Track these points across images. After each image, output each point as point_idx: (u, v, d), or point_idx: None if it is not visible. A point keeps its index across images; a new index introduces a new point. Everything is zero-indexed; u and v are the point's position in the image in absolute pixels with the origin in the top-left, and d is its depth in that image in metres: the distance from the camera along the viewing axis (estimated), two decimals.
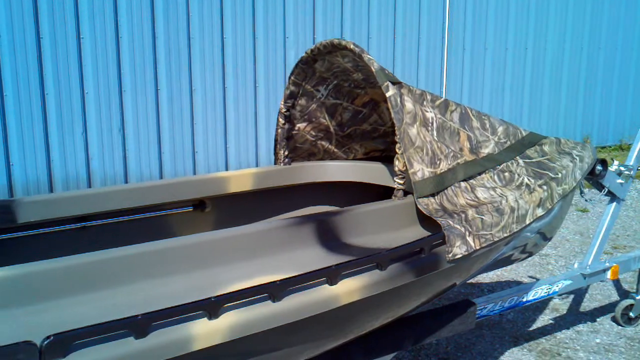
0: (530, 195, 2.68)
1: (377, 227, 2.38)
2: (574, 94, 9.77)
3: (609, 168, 3.57)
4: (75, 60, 5.94)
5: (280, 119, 3.09)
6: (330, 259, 2.15)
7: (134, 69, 6.24)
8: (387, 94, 2.41)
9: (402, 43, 7.98)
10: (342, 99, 3.11)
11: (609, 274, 3.75)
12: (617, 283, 4.67)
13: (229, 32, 6.72)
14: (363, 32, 7.63)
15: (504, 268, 4.99)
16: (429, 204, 2.39)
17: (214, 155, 6.83)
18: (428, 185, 2.42)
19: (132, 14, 6.15)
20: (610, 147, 10.22)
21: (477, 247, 2.39)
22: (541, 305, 4.28)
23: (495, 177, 2.67)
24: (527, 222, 2.64)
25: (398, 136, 2.41)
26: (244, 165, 7.03)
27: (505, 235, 2.52)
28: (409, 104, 2.46)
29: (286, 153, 3.19)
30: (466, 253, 2.35)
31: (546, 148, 3.04)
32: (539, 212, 2.69)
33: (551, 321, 4.07)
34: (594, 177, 3.51)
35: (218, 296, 1.81)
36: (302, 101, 3.05)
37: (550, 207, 2.75)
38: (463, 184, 2.55)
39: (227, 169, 6.91)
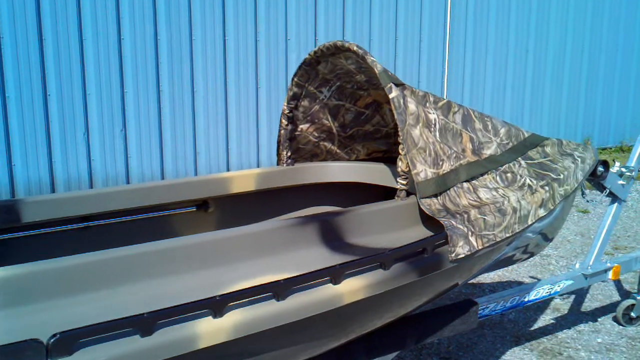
0: (533, 196, 2.70)
1: (380, 227, 2.40)
2: (575, 94, 9.78)
3: (611, 169, 3.59)
4: (77, 61, 5.96)
5: (283, 120, 3.11)
6: (333, 259, 2.17)
7: (136, 70, 6.26)
8: (390, 96, 2.43)
9: (403, 43, 8.00)
10: (344, 100, 3.13)
11: (610, 274, 3.76)
12: (618, 283, 4.68)
13: (230, 34, 6.74)
14: (364, 33, 7.64)
15: (505, 268, 5.00)
16: (431, 205, 2.41)
17: (215, 156, 6.85)
18: (431, 185, 2.43)
19: (134, 16, 6.17)
20: (611, 148, 10.23)
21: (480, 247, 2.41)
22: (542, 305, 4.30)
23: (498, 178, 2.69)
24: (529, 222, 2.66)
25: (401, 137, 2.43)
26: (245, 166, 7.04)
27: (508, 235, 2.53)
28: (412, 106, 2.48)
29: (289, 154, 3.21)
30: (469, 253, 2.37)
31: (548, 149, 3.06)
32: (541, 212, 2.71)
33: (552, 321, 4.08)
34: (596, 178, 3.52)
35: (223, 295, 1.82)
36: (305, 102, 3.07)
37: (552, 207, 2.77)
38: (465, 184, 2.57)
39: (228, 170, 6.93)
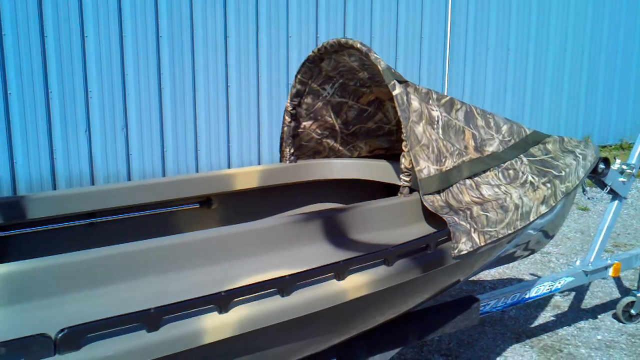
0: (534, 192, 2.71)
1: (384, 224, 2.41)
2: (575, 93, 9.80)
3: (611, 166, 3.61)
4: (79, 58, 5.97)
5: (286, 117, 3.12)
6: (337, 255, 2.18)
7: (138, 68, 6.27)
8: (394, 93, 2.44)
9: (404, 43, 8.01)
10: (347, 97, 3.14)
11: (610, 271, 3.78)
12: (618, 280, 4.70)
13: (232, 31, 6.74)
14: (365, 32, 7.65)
15: (505, 266, 5.02)
16: (434, 201, 2.43)
17: (216, 154, 6.86)
18: (434, 182, 2.45)
19: (136, 13, 6.18)
20: (611, 146, 10.25)
21: (482, 244, 2.43)
22: (543, 302, 4.31)
23: (500, 175, 2.71)
24: (531, 219, 2.67)
25: (404, 134, 2.44)
26: (246, 163, 7.06)
27: (510, 231, 2.55)
28: (415, 103, 2.49)
29: (292, 151, 3.22)
30: (471, 249, 2.38)
31: (550, 146, 3.07)
32: (543, 209, 2.72)
33: (553, 318, 4.10)
34: (597, 176, 3.54)
35: (228, 290, 1.84)
36: (308, 99, 3.08)
37: (553, 204, 2.78)
38: (468, 181, 2.58)
39: (229, 167, 6.94)
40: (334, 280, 2.08)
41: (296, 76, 3.00)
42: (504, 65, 8.97)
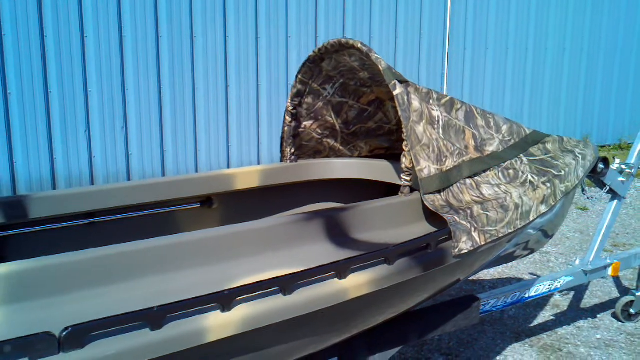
0: (534, 192, 2.72)
1: (385, 223, 2.42)
2: (574, 93, 9.82)
3: (611, 166, 3.62)
4: (78, 58, 5.97)
5: (287, 117, 3.13)
6: (338, 254, 2.19)
7: (137, 68, 6.28)
8: (395, 93, 2.45)
9: (403, 43, 8.02)
10: (348, 97, 3.15)
11: (610, 271, 3.79)
12: (617, 280, 4.72)
13: (231, 31, 6.75)
14: (365, 32, 7.67)
15: (505, 265, 5.03)
16: (435, 201, 2.44)
17: (216, 153, 6.87)
18: (434, 182, 2.46)
19: (135, 13, 6.18)
20: (610, 146, 10.27)
21: (483, 243, 2.44)
22: (542, 301, 4.33)
23: (500, 175, 2.72)
24: (531, 218, 2.68)
25: (405, 134, 2.45)
26: (245, 163, 7.06)
27: (510, 231, 2.56)
28: (415, 103, 2.50)
29: (292, 150, 3.23)
30: (472, 248, 2.39)
31: (549, 146, 3.08)
32: (543, 208, 2.73)
33: (552, 317, 4.11)
34: (596, 175, 3.55)
35: (231, 289, 1.84)
36: (309, 99, 3.09)
37: (553, 204, 2.79)
38: (468, 181, 2.59)
39: (229, 167, 6.95)
40: (336, 279, 2.09)
41: (297, 76, 3.01)
42: (502, 65, 8.99)
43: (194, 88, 6.62)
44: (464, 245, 2.38)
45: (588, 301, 4.38)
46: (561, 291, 4.18)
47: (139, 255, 1.91)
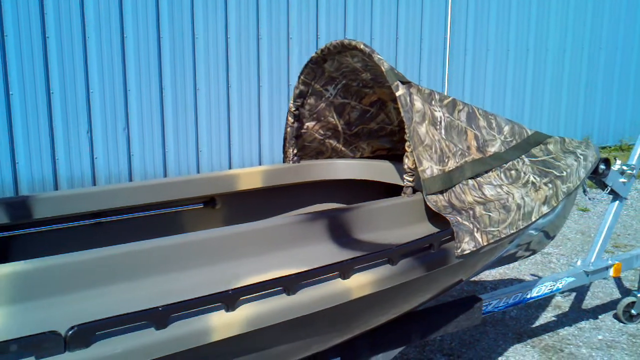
0: (536, 193, 2.73)
1: (387, 224, 2.43)
2: (574, 94, 9.83)
3: (612, 167, 3.63)
4: (80, 59, 5.99)
5: (290, 118, 3.14)
6: (341, 254, 2.20)
7: (139, 68, 6.29)
8: (397, 94, 2.46)
9: (404, 44, 8.04)
10: (350, 98, 3.16)
11: (611, 272, 3.80)
12: (618, 281, 4.72)
13: (233, 32, 6.77)
14: (366, 33, 7.68)
15: (506, 266, 5.04)
16: (437, 201, 2.45)
17: (217, 154, 6.88)
18: (437, 182, 2.47)
19: (137, 14, 6.20)
20: (611, 147, 10.28)
21: (485, 243, 2.45)
22: (544, 302, 4.33)
23: (502, 175, 2.73)
24: (533, 219, 2.69)
25: (408, 134, 2.46)
26: (247, 164, 7.08)
27: (512, 231, 2.57)
28: (418, 103, 2.51)
29: (295, 151, 3.24)
30: (474, 249, 2.40)
31: (551, 147, 3.09)
32: (544, 209, 2.74)
33: (554, 318, 4.12)
34: (597, 176, 3.56)
35: (235, 289, 1.85)
36: (311, 100, 3.10)
37: (555, 204, 2.80)
38: (471, 181, 2.60)
39: (230, 168, 6.96)
40: (339, 279, 2.09)
41: (299, 77, 3.02)
42: (503, 66, 9.00)
43: (195, 88, 6.64)
44: (467, 246, 2.39)
45: (589, 302, 4.38)
46: (563, 292, 4.19)
47: (143, 255, 1.92)
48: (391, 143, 3.48)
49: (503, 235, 2.54)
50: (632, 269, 4.20)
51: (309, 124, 3.20)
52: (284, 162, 3.28)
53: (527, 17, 9.06)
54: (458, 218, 2.41)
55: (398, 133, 3.43)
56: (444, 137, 2.57)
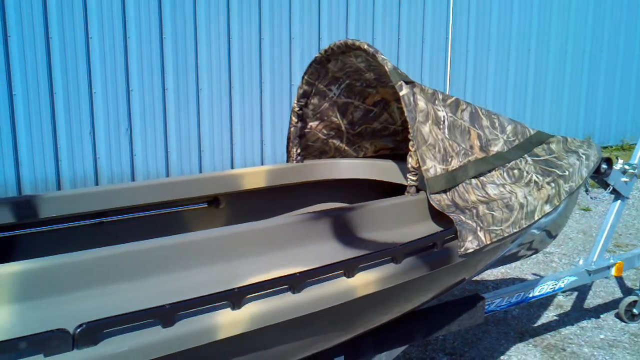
0: (539, 192, 2.74)
1: (391, 223, 2.44)
2: (576, 94, 9.84)
3: (614, 166, 3.64)
4: (83, 60, 6.01)
5: (293, 118, 3.15)
6: (346, 253, 2.21)
7: (142, 69, 6.31)
8: (401, 93, 2.47)
9: (406, 44, 8.05)
10: (353, 98, 3.17)
11: (613, 271, 3.81)
12: (620, 280, 4.73)
13: (235, 33, 6.78)
14: (367, 33, 7.69)
15: (508, 266, 5.05)
16: (441, 200, 2.46)
17: (219, 154, 6.89)
18: (440, 181, 2.48)
19: (139, 15, 6.22)
20: (612, 147, 10.29)
21: (488, 242, 2.46)
22: (545, 302, 4.35)
23: (505, 175, 2.74)
24: (536, 218, 2.70)
25: (411, 134, 2.48)
26: (249, 163, 7.09)
27: (515, 230, 2.58)
28: (421, 103, 2.52)
29: (298, 151, 3.26)
30: (478, 247, 2.41)
31: (553, 146, 3.10)
32: (547, 208, 2.75)
33: (556, 317, 4.13)
34: (599, 176, 3.57)
35: (241, 287, 1.87)
36: (315, 100, 3.12)
37: (557, 203, 2.81)
38: (474, 180, 2.62)
39: (232, 168, 6.98)
40: (344, 278, 2.11)
41: (303, 77, 3.03)
42: (505, 66, 9.02)
43: (197, 89, 6.66)
44: (470, 245, 2.41)
45: (591, 301, 4.39)
46: (565, 291, 4.20)
47: (148, 254, 1.93)
48: (394, 143, 3.50)
49: (506, 234, 2.55)
50: (634, 268, 4.21)
51: (313, 124, 3.21)
52: (287, 161, 3.30)
53: (528, 17, 9.08)
54: (461, 217, 2.42)
55: (401, 133, 3.45)
56: (447, 136, 2.58)
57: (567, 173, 2.94)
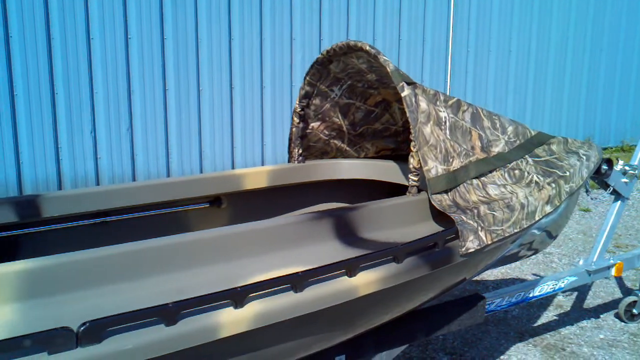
0: (540, 192, 2.76)
1: (393, 223, 2.46)
2: (576, 95, 9.85)
3: (614, 167, 3.66)
4: (84, 60, 6.02)
5: (295, 118, 3.16)
6: (347, 253, 2.22)
7: (143, 69, 6.32)
8: (403, 94, 2.49)
9: (407, 45, 8.06)
10: (355, 98, 3.18)
11: (613, 271, 3.83)
12: (620, 280, 4.75)
13: (236, 33, 6.79)
14: (368, 34, 7.71)
15: (508, 266, 5.06)
16: (442, 200, 2.47)
17: (220, 155, 6.91)
18: (441, 182, 2.49)
19: (141, 15, 6.23)
20: (612, 148, 10.30)
21: (489, 242, 2.47)
22: (545, 302, 4.36)
23: (506, 175, 2.75)
24: (536, 218, 2.72)
25: (413, 134, 2.49)
26: (250, 164, 7.10)
27: (516, 230, 2.59)
28: (423, 104, 2.54)
29: (300, 151, 3.27)
30: (479, 247, 2.43)
31: (554, 147, 3.12)
32: (548, 209, 2.77)
33: (555, 317, 4.15)
34: (600, 176, 3.59)
35: (244, 286, 1.88)
36: (317, 101, 3.13)
37: (558, 204, 2.83)
38: (475, 181, 2.63)
39: (233, 169, 6.99)
40: (346, 277, 2.12)
41: (305, 78, 3.04)
42: (505, 67, 9.03)
43: (198, 89, 6.67)
44: (471, 244, 2.42)
45: (591, 301, 4.41)
46: (565, 291, 4.22)
47: (150, 253, 1.94)
48: (395, 143, 3.51)
49: (507, 234, 2.56)
50: (634, 269, 4.22)
51: (314, 124, 3.23)
52: (289, 162, 3.31)
53: (529, 18, 9.09)
54: (462, 217, 2.44)
55: (402, 133, 3.46)
56: (448, 137, 2.60)
57: (567, 174, 2.95)
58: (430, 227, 2.52)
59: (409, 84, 2.52)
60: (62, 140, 6.02)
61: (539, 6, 9.14)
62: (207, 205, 3.07)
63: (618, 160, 3.80)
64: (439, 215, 2.58)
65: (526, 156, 2.90)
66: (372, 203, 2.43)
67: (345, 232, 2.33)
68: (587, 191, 3.62)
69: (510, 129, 2.90)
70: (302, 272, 2.00)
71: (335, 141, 3.34)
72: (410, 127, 2.50)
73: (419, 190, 2.61)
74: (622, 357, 3.63)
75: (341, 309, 2.15)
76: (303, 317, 2.03)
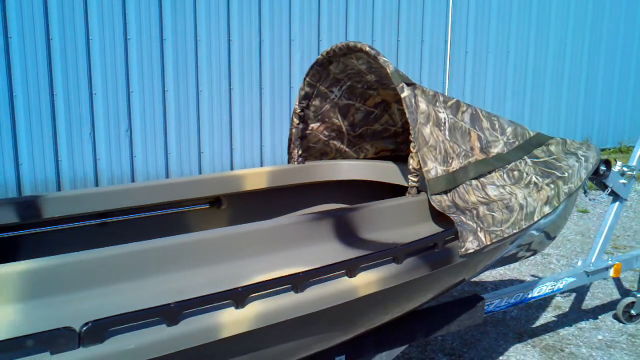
0: (538, 193, 2.77)
1: (392, 223, 2.46)
2: (574, 96, 9.88)
3: (612, 168, 3.67)
4: (84, 61, 6.02)
5: (295, 119, 3.17)
6: (347, 253, 2.23)
7: (142, 70, 6.32)
8: (402, 95, 2.50)
9: (405, 46, 8.08)
10: (354, 99, 3.19)
11: (611, 272, 3.84)
12: (618, 281, 4.76)
13: (235, 34, 6.80)
14: (367, 35, 7.72)
15: (507, 267, 5.08)
16: (442, 201, 2.48)
17: (219, 156, 6.91)
18: (441, 182, 2.50)
19: (140, 16, 6.23)
20: (610, 149, 10.32)
21: (488, 243, 2.48)
22: (544, 303, 4.37)
23: (505, 176, 2.76)
24: (535, 219, 2.73)
25: (412, 135, 2.50)
26: (249, 165, 7.11)
27: (515, 231, 2.60)
28: (422, 105, 2.55)
29: (300, 152, 3.28)
30: (478, 248, 2.44)
31: (553, 148, 3.13)
32: (546, 209, 2.78)
33: (554, 318, 4.16)
34: (598, 177, 3.60)
35: (245, 286, 1.89)
36: (316, 102, 3.14)
37: (556, 205, 2.84)
38: (474, 182, 2.64)
39: (232, 169, 6.99)
40: (346, 278, 2.13)
41: (305, 79, 3.05)
42: (503, 68, 9.05)
43: (197, 90, 6.67)
44: (470, 245, 2.43)
45: (589, 302, 4.42)
46: (563, 292, 4.23)
47: (150, 254, 1.95)
48: (395, 144, 3.52)
49: (506, 235, 2.57)
50: (632, 270, 4.24)
51: (314, 125, 3.23)
52: (288, 162, 3.32)
53: (527, 19, 9.11)
54: (462, 218, 2.45)
55: (401, 134, 3.47)
56: (448, 138, 2.61)
57: (566, 175, 2.96)
58: (430, 228, 2.53)
59: (408, 84, 2.53)
60: (61, 141, 6.02)
61: (537, 6, 9.16)
62: (207, 206, 3.08)
63: (616, 161, 3.81)
64: (438, 216, 2.58)
65: (525, 157, 2.91)
66: (372, 204, 2.44)
67: (345, 232, 2.34)
68: (585, 192, 3.63)
69: (509, 129, 2.91)
70: (302, 272, 2.00)
71: (335, 142, 3.35)
72: (410, 128, 2.51)
73: (419, 191, 2.62)
74: (621, 358, 3.64)
75: (341, 309, 2.16)
76: (303, 318, 2.04)
